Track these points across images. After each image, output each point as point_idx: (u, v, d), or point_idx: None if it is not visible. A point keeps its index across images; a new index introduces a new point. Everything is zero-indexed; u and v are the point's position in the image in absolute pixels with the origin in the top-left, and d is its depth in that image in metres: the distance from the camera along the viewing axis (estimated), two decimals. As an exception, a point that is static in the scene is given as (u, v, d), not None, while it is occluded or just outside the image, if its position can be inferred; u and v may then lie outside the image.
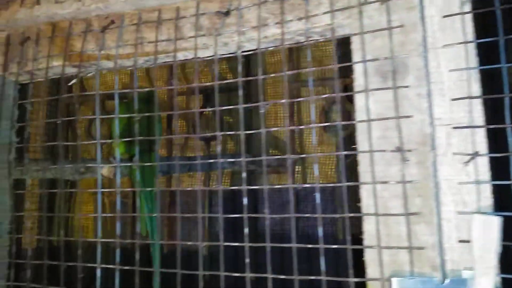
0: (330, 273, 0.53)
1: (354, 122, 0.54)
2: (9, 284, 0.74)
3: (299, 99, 0.57)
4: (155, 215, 0.63)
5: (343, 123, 0.54)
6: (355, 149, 0.54)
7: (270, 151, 2.16)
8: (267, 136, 2.11)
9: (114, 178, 1.39)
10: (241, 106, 0.60)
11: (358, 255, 0.54)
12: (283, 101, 0.58)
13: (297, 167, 2.18)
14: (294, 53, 2.06)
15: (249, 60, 1.82)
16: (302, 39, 0.62)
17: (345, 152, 0.54)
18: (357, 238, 0.53)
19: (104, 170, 1.37)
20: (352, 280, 0.52)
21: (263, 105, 0.59)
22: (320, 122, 2.10)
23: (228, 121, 2.15)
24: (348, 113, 2.16)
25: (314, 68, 0.55)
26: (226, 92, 1.90)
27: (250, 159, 0.61)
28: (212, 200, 2.03)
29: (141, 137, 0.66)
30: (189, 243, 0.62)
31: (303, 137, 2.22)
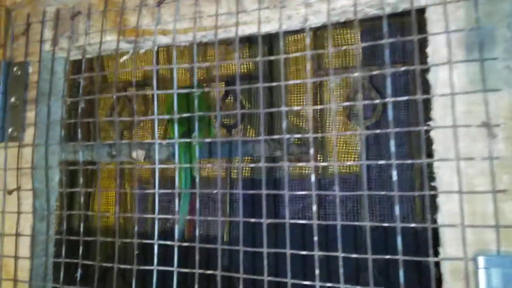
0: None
1: (434, 95, 0.52)
2: (60, 260, 0.73)
3: (374, 72, 0.53)
4: (215, 191, 0.61)
5: (424, 97, 0.51)
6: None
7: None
8: (288, 125, 2.01)
9: (144, 162, 1.37)
10: (309, 81, 0.58)
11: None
12: (355, 74, 0.56)
13: (319, 156, 2.17)
14: (318, 39, 2.02)
15: (272, 45, 1.78)
16: (372, 11, 0.59)
17: (425, 127, 0.52)
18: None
19: (135, 153, 1.36)
20: (432, 259, 0.50)
21: (335, 79, 0.57)
22: (344, 111, 2.07)
23: (246, 107, 2.13)
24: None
25: (392, 39, 0.53)
26: (247, 80, 1.89)
27: (319, 134, 0.59)
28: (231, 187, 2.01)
29: (200, 113, 0.64)
30: (253, 220, 0.60)
31: (325, 126, 2.19)
